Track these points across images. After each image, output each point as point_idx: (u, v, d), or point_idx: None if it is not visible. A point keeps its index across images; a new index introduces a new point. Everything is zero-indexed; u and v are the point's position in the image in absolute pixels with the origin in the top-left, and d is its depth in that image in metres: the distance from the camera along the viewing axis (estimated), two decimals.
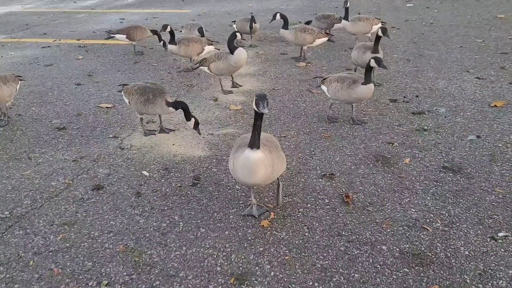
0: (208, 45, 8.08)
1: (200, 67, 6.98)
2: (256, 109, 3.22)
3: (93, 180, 4.56)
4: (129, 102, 5.46)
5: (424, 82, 7.35)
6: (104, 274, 3.25)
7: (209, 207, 4.07)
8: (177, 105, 5.21)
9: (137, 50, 9.86)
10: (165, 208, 4.07)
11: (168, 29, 7.97)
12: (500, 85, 7.06)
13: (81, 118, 6.21)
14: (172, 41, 7.84)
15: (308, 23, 10.59)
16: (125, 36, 9.34)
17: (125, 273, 3.25)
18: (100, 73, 8.42)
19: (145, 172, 4.71)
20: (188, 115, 5.11)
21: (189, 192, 4.33)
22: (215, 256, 3.42)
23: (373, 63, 5.44)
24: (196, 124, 5.13)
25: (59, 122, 6.07)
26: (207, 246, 3.54)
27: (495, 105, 6.21)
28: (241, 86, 7.40)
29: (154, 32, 9.40)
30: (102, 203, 4.16)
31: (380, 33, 6.51)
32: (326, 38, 8.76)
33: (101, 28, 12.85)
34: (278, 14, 8.75)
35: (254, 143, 3.32)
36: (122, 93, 5.61)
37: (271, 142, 3.66)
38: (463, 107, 6.25)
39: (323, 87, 5.81)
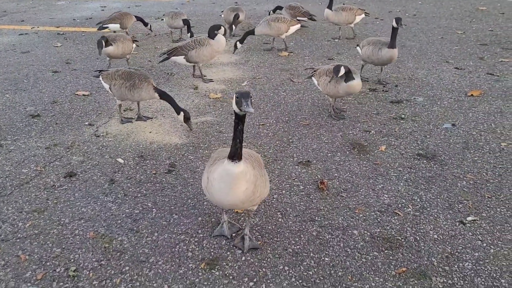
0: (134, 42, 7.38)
1: (172, 58, 6.77)
2: (237, 109, 2.59)
3: (66, 168, 4.50)
4: (109, 88, 5.32)
5: (404, 72, 7.39)
6: (72, 260, 3.21)
7: (183, 193, 4.05)
8: (164, 95, 5.15)
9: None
10: (139, 195, 4.03)
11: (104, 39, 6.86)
12: (478, 75, 7.13)
13: (57, 105, 6.12)
14: (107, 43, 6.86)
15: (276, 10, 10.60)
16: (118, 25, 9.25)
17: (94, 259, 3.22)
18: (79, 60, 8.29)
19: (120, 160, 4.66)
20: (176, 108, 5.04)
21: (163, 179, 4.30)
22: (187, 242, 3.41)
23: (394, 24, 6.07)
24: (187, 118, 5.01)
25: (33, 109, 5.97)
26: (180, 232, 3.52)
27: (472, 95, 6.28)
28: (205, 76, 7.28)
29: (139, 18, 9.41)
30: (74, 190, 4.11)
31: (395, 24, 6.10)
32: (299, 25, 8.74)
33: (82, 15, 12.66)
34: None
35: (235, 154, 2.74)
36: (101, 78, 5.45)
37: (254, 158, 3.11)
38: (441, 96, 6.31)
39: (314, 80, 5.76)
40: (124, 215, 3.73)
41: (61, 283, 3.00)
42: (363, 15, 9.50)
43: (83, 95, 6.49)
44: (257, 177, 2.93)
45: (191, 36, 8.51)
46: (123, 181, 4.25)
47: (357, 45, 6.83)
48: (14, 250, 3.31)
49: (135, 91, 5.15)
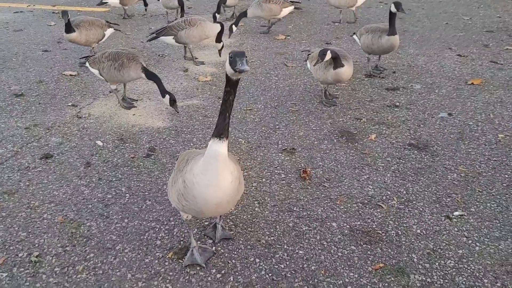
0: (109, 28, 6.83)
1: (161, 38, 6.56)
2: (231, 70, 2.25)
3: (43, 149, 4.36)
4: (99, 73, 5.06)
5: (404, 58, 7.14)
6: (37, 245, 3.09)
7: (159, 179, 3.90)
8: (151, 75, 4.94)
9: (127, 14, 9.71)
10: (114, 179, 3.89)
11: (68, 17, 6.16)
12: (481, 63, 6.87)
13: (42, 85, 5.96)
14: (70, 28, 6.19)
15: None
16: (118, 1, 9.16)
17: (59, 245, 3.09)
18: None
19: (99, 142, 4.51)
20: (162, 91, 4.83)
21: (141, 163, 4.15)
22: (157, 230, 3.27)
23: (393, 8, 5.72)
24: (173, 101, 4.80)
25: (18, 88, 5.82)
26: (151, 219, 3.38)
27: (472, 83, 6.04)
28: (197, 59, 7.06)
29: None
30: (48, 172, 3.97)
31: (393, 9, 5.73)
32: (293, 7, 8.47)
33: None
34: None
35: (223, 131, 2.40)
36: (88, 65, 5.17)
37: (231, 156, 2.73)
38: (440, 84, 6.07)
39: (307, 64, 5.54)
40: (96, 200, 3.60)
41: (22, 269, 2.88)
42: None
43: (70, 75, 6.33)
44: (240, 174, 2.70)
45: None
46: (99, 165, 4.11)
47: (354, 33, 6.57)
48: None
49: (124, 71, 4.92)
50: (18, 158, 4.19)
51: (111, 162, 4.15)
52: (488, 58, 7.06)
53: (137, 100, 5.53)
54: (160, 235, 3.21)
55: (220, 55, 6.69)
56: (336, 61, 4.87)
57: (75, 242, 3.13)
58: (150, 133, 4.72)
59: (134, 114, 5.16)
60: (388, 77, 6.35)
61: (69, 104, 5.39)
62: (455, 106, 5.39)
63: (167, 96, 4.81)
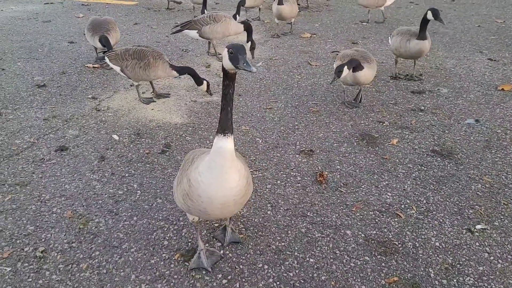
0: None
1: (185, 31, 6.52)
2: (232, 66, 2.18)
3: (59, 141, 4.36)
4: (121, 70, 4.96)
5: (432, 60, 6.90)
6: (43, 240, 3.06)
7: (172, 177, 3.84)
8: (183, 70, 4.92)
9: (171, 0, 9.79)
10: (126, 174, 3.85)
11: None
12: None
13: (65, 76, 5.99)
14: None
15: None
16: None
17: (65, 241, 3.06)
18: None
19: (115, 136, 4.48)
20: (198, 80, 4.94)
21: (155, 159, 4.10)
22: (165, 229, 3.20)
23: (429, 15, 5.43)
24: (207, 85, 5.04)
25: (41, 79, 5.86)
26: (160, 218, 3.32)
27: (502, 89, 5.77)
28: (220, 54, 6.96)
29: None
30: (62, 165, 3.96)
31: (430, 17, 5.46)
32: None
33: None
34: None
35: (227, 126, 2.30)
36: (108, 61, 5.05)
37: (239, 156, 2.64)
38: (468, 88, 5.82)
39: (334, 64, 5.35)
40: (106, 196, 3.56)
41: (26, 264, 2.86)
42: None
43: (93, 67, 6.34)
44: (248, 173, 2.58)
45: (202, 13, 8.18)
46: (113, 159, 4.08)
47: (390, 34, 6.34)
48: None
49: (151, 70, 4.85)
50: (33, 150, 4.20)
51: (126, 157, 4.11)
52: None
53: (169, 94, 5.48)
54: (168, 235, 3.14)
55: (252, 56, 6.52)
56: (357, 66, 4.74)
57: (82, 238, 3.09)
58: (167, 129, 4.67)
59: (152, 109, 5.12)
60: (415, 79, 6.12)
61: (89, 96, 5.39)
62: (483, 112, 5.15)
63: (204, 82, 5.01)
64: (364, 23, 9.14)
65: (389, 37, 6.28)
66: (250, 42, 6.40)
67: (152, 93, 5.44)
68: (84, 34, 5.95)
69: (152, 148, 4.28)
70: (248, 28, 6.38)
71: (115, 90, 5.62)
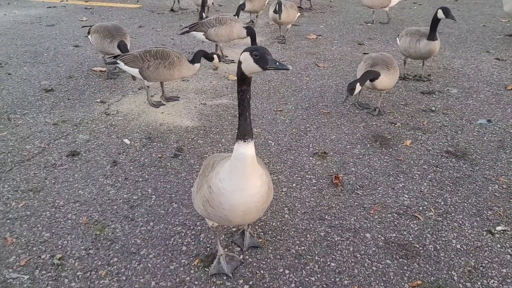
0: None
1: (192, 33, 6.51)
2: (258, 68, 2.16)
3: (70, 146, 4.32)
4: (139, 72, 4.88)
5: (439, 61, 6.87)
6: (60, 246, 3.02)
7: (186, 181, 3.80)
8: (197, 58, 5.01)
9: (179, 6, 9.98)
10: (140, 179, 3.81)
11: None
12: None
13: (72, 80, 5.96)
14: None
15: None
16: None
17: (82, 247, 3.02)
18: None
19: (126, 140, 4.45)
20: (209, 57, 5.27)
21: (168, 163, 4.06)
22: (183, 235, 3.16)
23: (440, 14, 5.40)
24: (218, 57, 5.37)
25: (48, 83, 5.83)
26: (177, 223, 3.28)
27: None
28: (227, 57, 6.94)
29: None
30: (74, 170, 3.92)
31: (441, 15, 5.44)
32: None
33: None
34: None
35: (247, 131, 2.27)
36: (123, 65, 4.96)
37: (259, 160, 2.62)
38: (477, 88, 5.80)
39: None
40: (121, 201, 3.52)
41: (44, 271, 2.81)
42: None
43: (100, 71, 6.31)
44: (269, 178, 2.53)
45: (200, 17, 8.13)
46: (126, 164, 4.04)
47: (398, 35, 6.32)
48: (1, 232, 3.14)
49: (175, 69, 4.89)
50: (45, 155, 4.16)
51: (138, 162, 4.07)
52: None
53: (178, 97, 5.45)
54: (186, 240, 3.10)
55: None
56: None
57: (99, 245, 3.05)
58: (178, 132, 4.63)
59: (162, 113, 5.08)
60: (424, 80, 6.09)
61: (98, 100, 5.36)
62: (494, 112, 5.12)
63: (215, 56, 5.26)
64: (369, 24, 9.11)
65: (397, 38, 6.25)
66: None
67: (162, 96, 5.40)
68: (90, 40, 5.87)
69: (165, 152, 4.24)
70: (251, 34, 6.35)
71: (123, 93, 5.59)
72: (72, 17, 9.54)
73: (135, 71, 4.94)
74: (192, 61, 4.99)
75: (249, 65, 2.17)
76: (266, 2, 8.68)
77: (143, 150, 4.29)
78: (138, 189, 3.67)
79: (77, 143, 4.37)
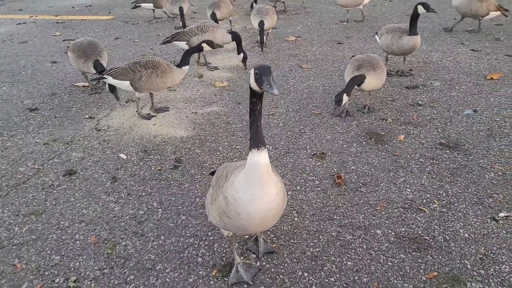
0: None
1: (174, 42, 6.46)
2: (257, 87, 2.18)
3: (65, 165, 4.23)
4: (130, 84, 4.82)
5: (418, 55, 7.03)
6: (73, 269, 2.96)
7: (191, 191, 3.78)
8: (185, 60, 4.96)
9: (156, 16, 10.03)
10: (143, 193, 3.76)
11: None
12: (496, 57, 6.77)
13: (56, 97, 5.83)
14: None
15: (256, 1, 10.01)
16: (151, 4, 9.40)
17: (96, 268, 2.96)
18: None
19: (122, 155, 4.38)
20: (196, 50, 5.21)
21: (169, 175, 4.02)
22: (196, 246, 3.14)
23: (421, 10, 5.52)
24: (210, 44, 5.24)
25: (31, 102, 5.68)
26: (188, 235, 3.25)
27: (491, 78, 5.94)
28: (210, 64, 6.94)
29: None
30: (74, 189, 3.84)
31: (422, 10, 5.56)
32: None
33: (81, 3, 12.32)
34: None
35: (259, 140, 2.28)
36: (112, 79, 4.86)
37: (272, 167, 2.60)
38: (459, 80, 5.97)
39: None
40: (127, 217, 3.47)
41: None
42: None
43: (83, 86, 6.20)
44: (283, 184, 2.53)
45: (183, 25, 8.13)
46: (126, 179, 3.98)
47: (376, 33, 6.44)
48: (9, 258, 3.05)
49: (168, 77, 4.87)
50: (40, 176, 4.06)
51: (138, 176, 4.02)
52: (503, 52, 6.98)
53: (168, 108, 5.41)
54: (201, 251, 3.09)
55: (245, 67, 6.42)
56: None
57: (113, 263, 3.00)
58: (174, 143, 4.59)
59: (154, 124, 5.03)
60: (406, 74, 6.23)
61: (86, 116, 5.26)
62: (478, 102, 5.28)
63: (203, 44, 5.21)
64: (344, 23, 9.25)
65: (376, 36, 6.38)
66: (241, 53, 6.37)
67: (151, 108, 5.35)
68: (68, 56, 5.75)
69: (164, 164, 4.20)
70: (236, 39, 6.36)
71: (111, 108, 5.50)
72: (45, 32, 9.33)
73: (125, 84, 4.88)
74: (180, 65, 4.96)
75: (252, 82, 2.21)
76: (231, 7, 8.61)
77: (141, 163, 4.24)
78: (143, 203, 3.63)
79: (72, 162, 4.28)
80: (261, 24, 7.11)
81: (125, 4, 12.12)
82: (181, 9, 8.38)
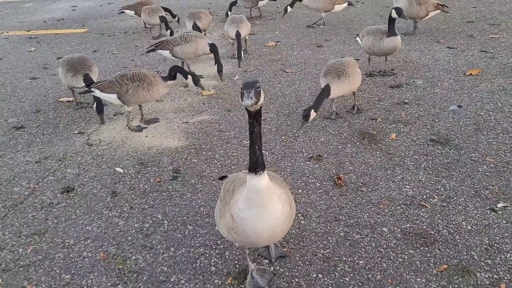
0: None
1: (158, 51, 6.43)
2: (242, 101, 2.10)
3: (61, 182, 4.15)
4: (118, 97, 4.79)
5: (397, 54, 7.20)
6: (85, 286, 2.91)
7: (193, 201, 3.77)
8: (172, 74, 4.93)
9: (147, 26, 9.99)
10: (146, 206, 3.73)
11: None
12: (472, 53, 7.01)
13: (41, 114, 5.71)
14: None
15: (233, 3, 10.10)
16: (133, 12, 9.64)
17: (109, 284, 2.92)
18: (57, 64, 7.79)
19: (118, 169, 4.33)
20: (184, 74, 5.10)
21: (170, 186, 4.00)
22: (207, 255, 3.14)
23: (394, 14, 5.73)
24: (196, 81, 5.16)
25: (16, 120, 5.55)
26: (197, 244, 3.25)
27: (471, 74, 6.14)
28: (194, 73, 6.84)
29: (167, 9, 9.40)
30: (74, 206, 3.77)
31: (394, 15, 5.77)
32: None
33: (52, 17, 12.11)
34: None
35: (257, 164, 2.23)
36: (99, 92, 4.83)
37: (277, 179, 2.67)
38: (440, 77, 6.15)
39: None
40: (133, 231, 3.44)
41: None
42: (345, 4, 9.19)
43: (67, 101, 6.09)
44: (290, 197, 2.53)
45: (171, 33, 8.14)
46: (126, 193, 3.94)
47: (357, 35, 6.58)
48: (18, 281, 2.98)
49: (154, 89, 4.84)
50: (37, 195, 3.97)
51: (138, 189, 3.99)
52: (477, 48, 7.22)
53: (158, 119, 5.37)
54: (213, 260, 3.09)
55: (221, 79, 6.39)
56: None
57: (126, 278, 2.97)
58: (169, 154, 4.57)
59: (146, 136, 4.99)
60: (388, 74, 6.38)
61: (75, 132, 5.17)
62: (462, 98, 5.46)
63: (189, 77, 5.12)
64: (321, 26, 9.39)
65: (358, 38, 6.51)
66: (216, 64, 6.28)
67: (141, 120, 5.31)
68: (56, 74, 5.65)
69: (162, 176, 4.17)
70: (214, 51, 6.29)
71: (100, 121, 5.43)
72: (18, 48, 9.13)
73: (112, 97, 4.84)
74: (166, 79, 4.94)
75: (240, 99, 2.13)
76: (210, 18, 8.61)
77: (139, 176, 4.20)
78: (147, 216, 3.60)
79: (68, 179, 4.21)
80: (238, 35, 7.12)
81: (98, 17, 11.99)
82: (163, 18, 8.45)
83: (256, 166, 2.23)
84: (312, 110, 4.58)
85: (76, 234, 3.43)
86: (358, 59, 7.06)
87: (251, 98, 2.03)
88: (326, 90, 4.73)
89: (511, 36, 7.62)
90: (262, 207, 2.28)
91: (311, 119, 4.64)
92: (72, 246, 3.29)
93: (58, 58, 7.40)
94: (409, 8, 7.78)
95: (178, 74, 5.00)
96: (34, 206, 3.81)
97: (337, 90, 4.78)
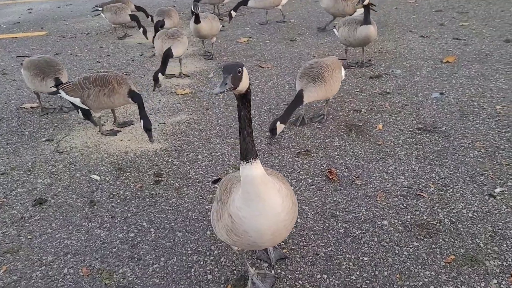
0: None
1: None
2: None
3: (32, 194, 3.81)
4: (82, 101, 4.46)
5: (373, 45, 7.12)
6: None
7: (180, 206, 3.52)
8: (136, 99, 4.49)
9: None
10: (129, 214, 3.46)
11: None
12: (445, 41, 7.02)
13: (2, 123, 5.30)
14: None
15: (197, 0, 9.81)
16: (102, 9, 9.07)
17: None
18: (16, 70, 7.34)
19: (95, 176, 4.03)
20: (141, 115, 4.42)
21: (153, 192, 3.74)
22: (202, 263, 2.90)
23: (366, 1, 5.66)
24: (147, 129, 4.38)
25: None
26: (190, 252, 3.01)
27: (447, 61, 6.13)
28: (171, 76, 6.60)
29: (140, 8, 9.21)
30: (49, 220, 3.46)
31: (365, 2, 5.65)
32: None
33: (8, 20, 11.48)
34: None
35: (248, 151, 2.08)
36: (64, 94, 4.53)
37: (277, 174, 2.47)
38: (418, 66, 6.11)
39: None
40: (118, 242, 3.16)
41: None
42: None
43: (31, 107, 5.69)
44: (292, 192, 2.34)
45: (144, 31, 7.86)
46: (105, 201, 3.65)
47: (334, 26, 6.45)
48: None
49: (115, 97, 4.42)
50: (6, 210, 3.62)
51: (118, 196, 3.70)
52: (450, 36, 7.24)
53: (132, 121, 5.06)
54: (208, 268, 2.86)
55: (153, 88, 5.86)
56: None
57: None
58: (149, 157, 4.30)
59: (122, 140, 4.69)
60: (366, 65, 6.29)
61: (43, 139, 4.81)
62: (442, 85, 5.41)
63: (142, 122, 4.40)
64: (264, 25, 9.11)
65: (334, 30, 6.39)
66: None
67: (114, 123, 5.00)
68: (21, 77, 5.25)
69: (143, 181, 3.90)
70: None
71: (69, 127, 5.08)
72: None
73: (77, 101, 4.51)
74: (131, 95, 4.51)
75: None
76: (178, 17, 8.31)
77: (118, 183, 3.91)
78: (131, 225, 3.33)
79: (39, 190, 3.87)
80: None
81: (57, 18, 11.45)
82: (134, 17, 8.17)
83: (246, 153, 2.07)
84: (278, 122, 4.20)
85: (54, 249, 3.12)
86: (332, 54, 6.94)
87: (225, 85, 1.91)
88: (298, 98, 4.36)
89: (481, 23, 7.70)
90: (260, 200, 2.10)
91: (278, 132, 4.27)
92: (51, 263, 2.99)
93: (17, 57, 6.80)
94: (335, 5, 7.68)
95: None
96: (3, 221, 3.47)
97: (310, 96, 4.40)
